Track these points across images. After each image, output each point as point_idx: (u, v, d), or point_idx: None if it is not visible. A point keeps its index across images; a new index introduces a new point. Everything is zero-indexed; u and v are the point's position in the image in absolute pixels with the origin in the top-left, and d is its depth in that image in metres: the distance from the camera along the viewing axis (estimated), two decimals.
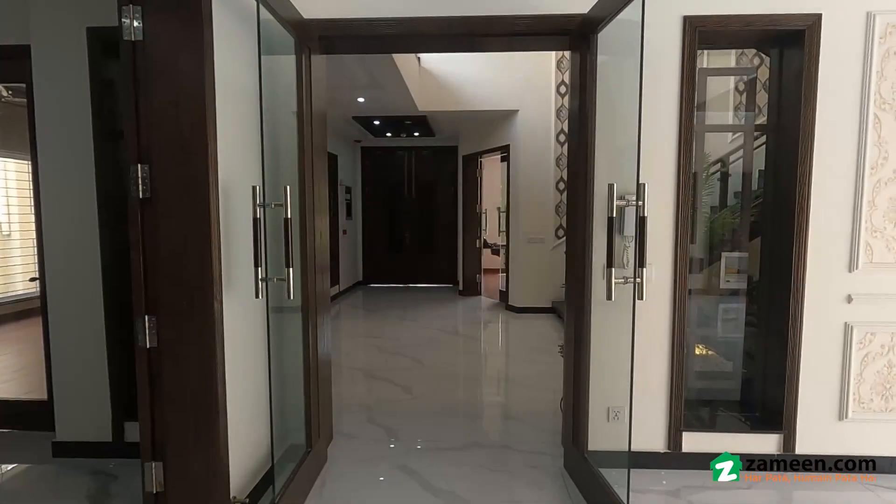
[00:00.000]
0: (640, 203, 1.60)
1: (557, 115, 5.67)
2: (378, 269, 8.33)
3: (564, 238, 5.84)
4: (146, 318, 1.62)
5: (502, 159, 6.36)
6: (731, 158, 3.46)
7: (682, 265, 2.15)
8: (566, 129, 5.65)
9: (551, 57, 5.63)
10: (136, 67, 1.54)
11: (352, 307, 6.59)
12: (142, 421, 1.66)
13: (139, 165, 1.56)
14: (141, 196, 1.57)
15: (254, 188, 1.64)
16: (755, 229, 3.16)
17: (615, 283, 1.66)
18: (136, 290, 1.62)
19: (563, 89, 5.65)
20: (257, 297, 1.69)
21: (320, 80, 2.38)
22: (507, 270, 6.29)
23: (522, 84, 5.68)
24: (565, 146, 5.69)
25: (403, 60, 4.62)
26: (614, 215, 1.64)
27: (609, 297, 1.66)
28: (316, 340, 2.27)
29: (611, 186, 1.63)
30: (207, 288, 1.61)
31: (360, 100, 5.28)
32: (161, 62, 1.56)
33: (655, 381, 2.25)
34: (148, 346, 1.63)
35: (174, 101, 1.56)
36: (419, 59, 5.65)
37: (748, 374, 2.57)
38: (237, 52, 1.85)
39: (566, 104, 5.67)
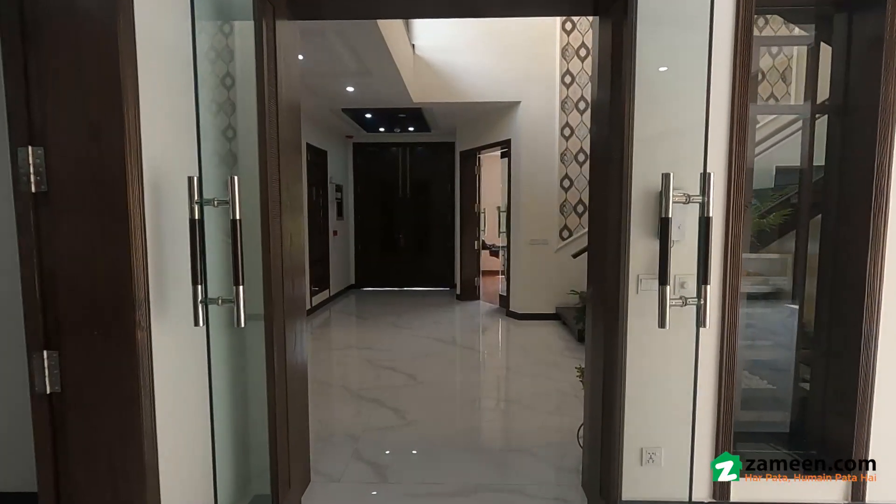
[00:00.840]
0: (705, 199, 1.21)
1: (562, 107, 5.28)
2: (371, 272, 7.91)
3: (569, 240, 5.48)
4: (45, 353, 1.21)
5: (502, 155, 5.96)
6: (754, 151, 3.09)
7: (734, 277, 1.76)
8: (571, 122, 5.28)
9: (555, 45, 5.24)
10: (23, 5, 1.13)
11: (343, 313, 6.17)
12: (42, 491, 1.25)
13: (30, 148, 1.16)
14: (34, 189, 1.16)
15: (190, 180, 1.23)
16: (784, 230, 2.80)
17: (670, 305, 1.26)
18: (31, 318, 1.21)
19: (567, 79, 5.26)
20: (197, 324, 1.28)
21: (292, 57, 1.97)
22: (507, 274, 5.89)
23: (524, 74, 5.28)
24: (570, 140, 5.31)
25: (396, 45, 4.21)
26: (670, 215, 1.24)
27: (662, 325, 1.26)
28: (284, 362, 1.86)
29: (666, 177, 1.23)
30: (127, 312, 1.20)
31: (350, 89, 4.86)
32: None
33: (698, 415, 1.86)
34: (48, 392, 1.23)
35: (75, 57, 1.15)
36: (413, 45, 5.24)
37: (797, 398, 2.18)
38: (179, 11, 1.44)
39: (571, 95, 5.28)
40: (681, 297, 1.27)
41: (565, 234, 5.41)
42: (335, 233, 7.00)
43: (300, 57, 3.88)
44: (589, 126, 5.29)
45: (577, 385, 3.34)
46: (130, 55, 1.18)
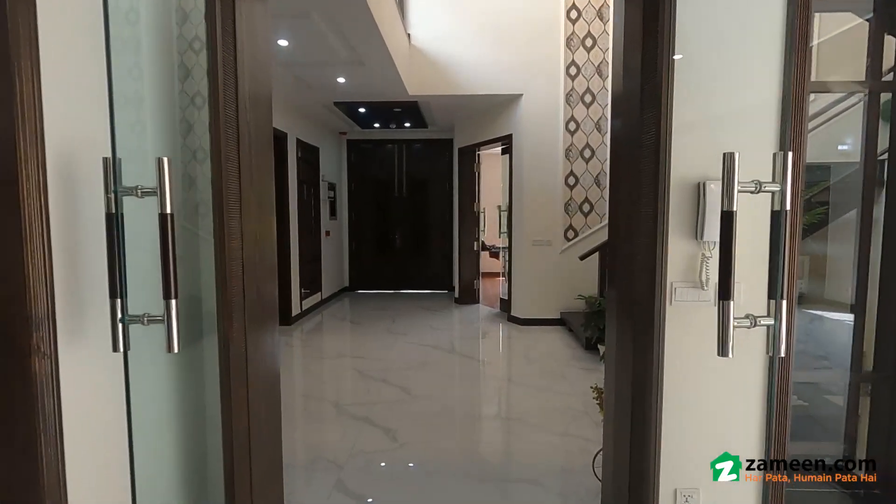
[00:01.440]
0: (784, 187, 0.92)
1: (567, 100, 4.99)
2: (366, 274, 7.61)
3: (575, 240, 5.19)
4: None
5: (503, 151, 5.67)
6: None
7: (791, 283, 1.47)
8: (577, 116, 5.00)
9: (560, 34, 4.96)
10: None
11: (335, 318, 5.87)
12: None
13: None
14: None
15: (105, 162, 0.94)
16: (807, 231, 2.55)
17: (735, 327, 0.96)
18: None
19: (572, 70, 4.97)
20: (115, 349, 0.99)
21: (261, 29, 1.66)
22: (508, 277, 5.60)
23: (527, 65, 5.00)
24: (576, 135, 5.03)
25: (390, 33, 3.92)
26: (734, 208, 0.94)
27: (724, 352, 0.96)
28: (245, 382, 1.54)
29: (729, 158, 0.93)
30: (20, 334, 0.91)
31: (341, 80, 4.57)
32: None
33: (741, 448, 1.56)
34: None
35: None
36: (409, 35, 4.95)
37: (851, 424, 1.89)
38: None
39: (576, 87, 5.00)
40: (748, 316, 0.97)
41: (570, 234, 5.12)
42: (328, 233, 6.70)
43: (284, 43, 3.59)
44: (595, 120, 5.01)
45: (587, 401, 3.05)
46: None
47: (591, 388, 2.12)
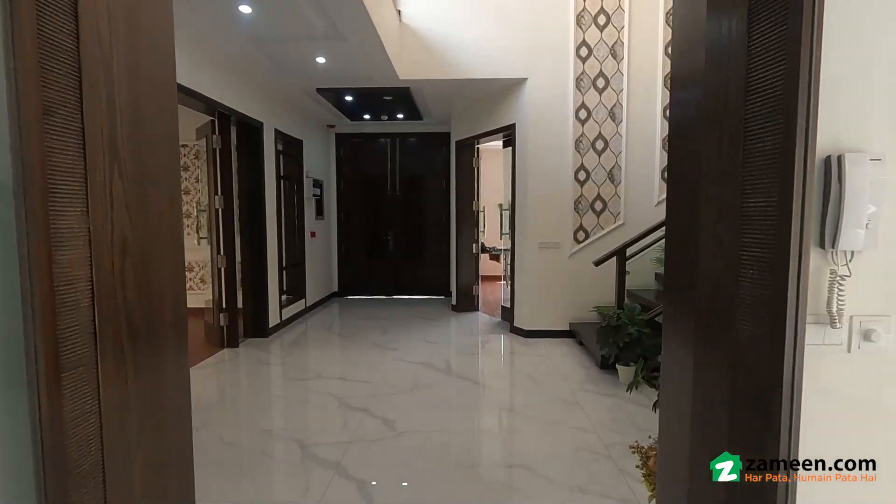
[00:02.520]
0: None
1: (577, 85, 4.44)
2: (356, 279, 7.05)
3: (586, 242, 4.64)
4: None
5: (505, 144, 5.12)
6: None
7: None
8: (588, 103, 4.46)
9: (569, 11, 4.41)
10: None
11: (320, 328, 5.31)
12: None
13: None
14: None
15: None
16: None
17: None
18: None
19: (583, 52, 4.43)
20: None
21: None
22: (511, 283, 5.05)
23: (532, 46, 4.45)
24: (587, 124, 4.48)
25: (375, 5, 3.37)
26: None
27: None
28: (101, 475, 1.00)
29: None
30: None
31: (320, 59, 4.01)
32: None
33: None
34: None
35: None
36: (399, 12, 4.40)
37: None
38: None
39: (587, 71, 4.45)
40: None
41: (581, 236, 4.57)
42: (313, 234, 6.14)
43: (246, 9, 3.03)
44: (609, 108, 4.46)
45: (608, 438, 2.51)
46: None
47: (632, 448, 1.57)
